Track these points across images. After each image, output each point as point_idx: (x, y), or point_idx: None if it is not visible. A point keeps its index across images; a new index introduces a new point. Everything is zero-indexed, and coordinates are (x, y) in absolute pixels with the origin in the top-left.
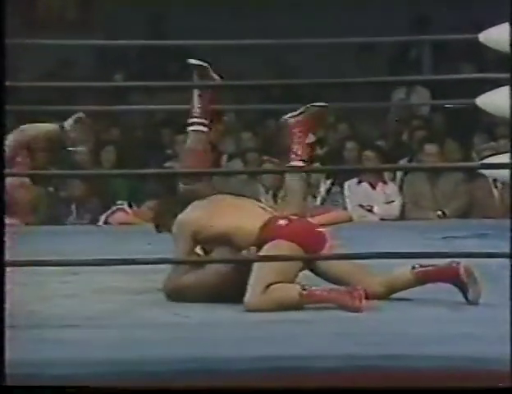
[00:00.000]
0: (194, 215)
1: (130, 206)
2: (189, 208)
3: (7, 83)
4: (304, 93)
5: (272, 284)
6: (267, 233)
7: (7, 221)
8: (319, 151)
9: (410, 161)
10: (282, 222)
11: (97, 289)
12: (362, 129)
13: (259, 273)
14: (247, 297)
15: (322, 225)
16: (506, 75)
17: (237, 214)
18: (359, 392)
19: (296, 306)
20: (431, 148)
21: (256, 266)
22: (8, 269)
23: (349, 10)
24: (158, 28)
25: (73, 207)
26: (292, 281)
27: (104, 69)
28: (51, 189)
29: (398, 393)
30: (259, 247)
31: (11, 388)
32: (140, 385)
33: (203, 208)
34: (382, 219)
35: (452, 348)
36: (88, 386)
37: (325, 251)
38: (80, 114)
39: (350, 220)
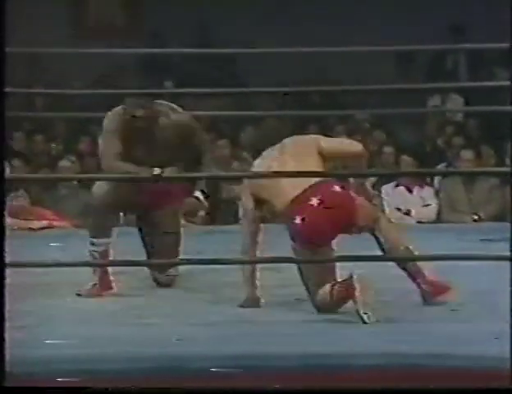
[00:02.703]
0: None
1: None
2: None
3: (7, 89)
4: (345, 100)
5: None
6: (292, 210)
7: (55, 223)
8: None
9: (448, 166)
10: (314, 201)
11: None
12: (399, 134)
13: (309, 276)
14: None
15: None
16: (507, 83)
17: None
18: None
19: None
20: (467, 153)
21: (304, 268)
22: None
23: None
24: (206, 35)
25: None
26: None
27: (155, 75)
28: None
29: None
30: (287, 219)
31: (11, 389)
32: (141, 385)
33: (262, 164)
34: (419, 222)
35: None
36: (88, 386)
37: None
38: None
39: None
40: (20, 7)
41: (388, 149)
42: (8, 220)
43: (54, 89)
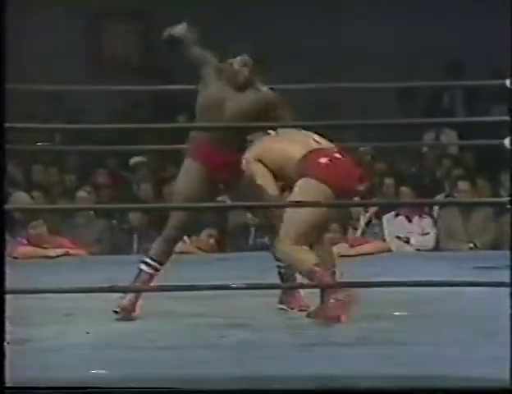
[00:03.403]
0: (259, 144)
1: (188, 236)
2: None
3: (7, 124)
4: (347, 132)
5: (303, 233)
6: (304, 165)
7: (72, 251)
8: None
9: (447, 196)
10: (323, 160)
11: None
12: (399, 166)
13: (292, 220)
14: (278, 242)
15: (363, 254)
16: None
17: (290, 144)
18: None
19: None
20: (463, 185)
21: (288, 210)
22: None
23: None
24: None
25: (134, 237)
26: (325, 230)
27: (168, 110)
28: (114, 221)
29: None
30: (297, 179)
31: (12, 389)
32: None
33: (267, 138)
34: (418, 250)
35: None
36: (88, 387)
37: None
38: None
39: (389, 250)
40: (35, 46)
41: (389, 181)
42: (27, 248)
43: (73, 125)
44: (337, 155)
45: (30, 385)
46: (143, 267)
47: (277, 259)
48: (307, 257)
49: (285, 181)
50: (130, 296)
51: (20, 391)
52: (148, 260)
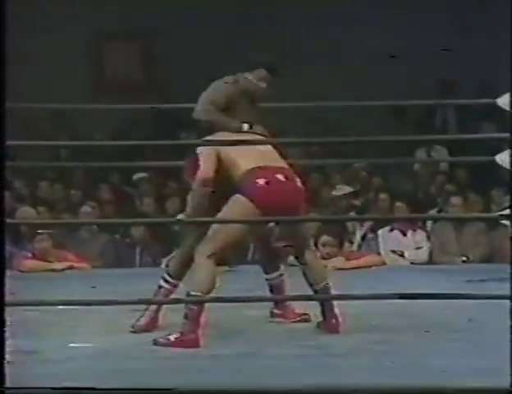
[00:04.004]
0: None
1: None
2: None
3: (8, 143)
4: (342, 149)
5: (223, 248)
6: (243, 180)
7: (76, 264)
8: (356, 202)
9: (440, 211)
10: (260, 180)
11: None
12: (394, 182)
13: (216, 233)
14: (198, 248)
15: (359, 267)
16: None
17: (244, 153)
18: None
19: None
20: (456, 200)
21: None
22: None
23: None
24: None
25: (137, 251)
26: (305, 246)
27: (171, 128)
28: (117, 236)
29: None
30: (235, 191)
31: (12, 390)
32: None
33: (232, 136)
34: (412, 263)
35: None
36: (88, 387)
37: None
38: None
39: (383, 264)
40: (36, 63)
41: (383, 196)
42: (33, 262)
43: (73, 142)
44: (279, 176)
45: (30, 385)
46: (162, 283)
47: (266, 272)
48: (206, 282)
49: (229, 186)
50: (148, 315)
51: (20, 392)
52: (169, 278)
